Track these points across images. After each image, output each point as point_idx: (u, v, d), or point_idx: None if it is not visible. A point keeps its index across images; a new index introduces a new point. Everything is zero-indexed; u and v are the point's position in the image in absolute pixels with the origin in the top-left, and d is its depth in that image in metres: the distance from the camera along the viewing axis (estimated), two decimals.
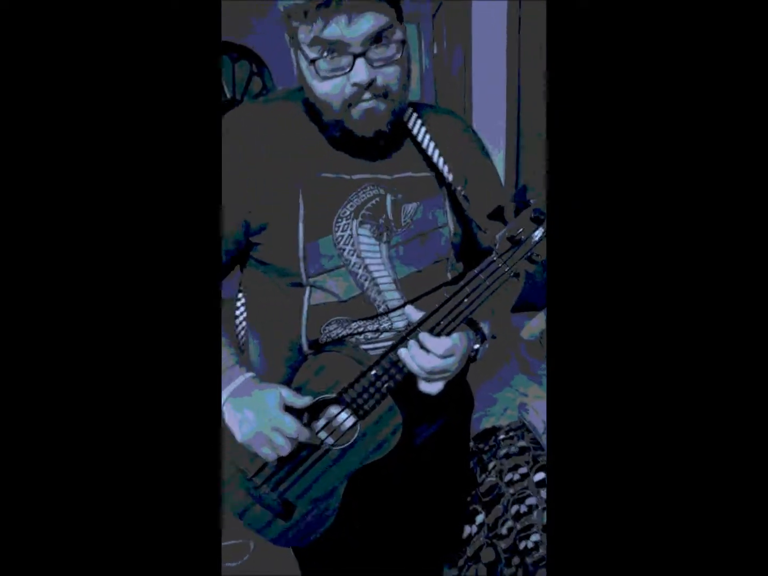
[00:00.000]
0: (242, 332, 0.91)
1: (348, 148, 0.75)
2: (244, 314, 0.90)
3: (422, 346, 0.71)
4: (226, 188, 0.70)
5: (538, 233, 0.67)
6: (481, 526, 1.30)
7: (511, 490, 1.31)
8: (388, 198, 0.78)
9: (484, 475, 1.41)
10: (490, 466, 1.42)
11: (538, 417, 1.43)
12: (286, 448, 0.73)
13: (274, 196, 0.73)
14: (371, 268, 0.77)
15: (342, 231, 0.76)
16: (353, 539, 0.89)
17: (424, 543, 1.03)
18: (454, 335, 0.72)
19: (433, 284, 0.80)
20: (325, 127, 0.73)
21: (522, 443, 1.42)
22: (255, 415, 0.73)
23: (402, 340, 0.72)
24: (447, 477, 1.02)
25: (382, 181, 0.78)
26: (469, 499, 1.34)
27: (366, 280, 0.77)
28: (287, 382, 0.78)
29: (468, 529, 1.30)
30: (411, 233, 0.78)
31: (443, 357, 0.71)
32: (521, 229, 0.67)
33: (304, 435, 0.74)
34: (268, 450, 0.74)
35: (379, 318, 0.78)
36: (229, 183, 0.71)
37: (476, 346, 0.79)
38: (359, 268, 0.77)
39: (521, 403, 1.50)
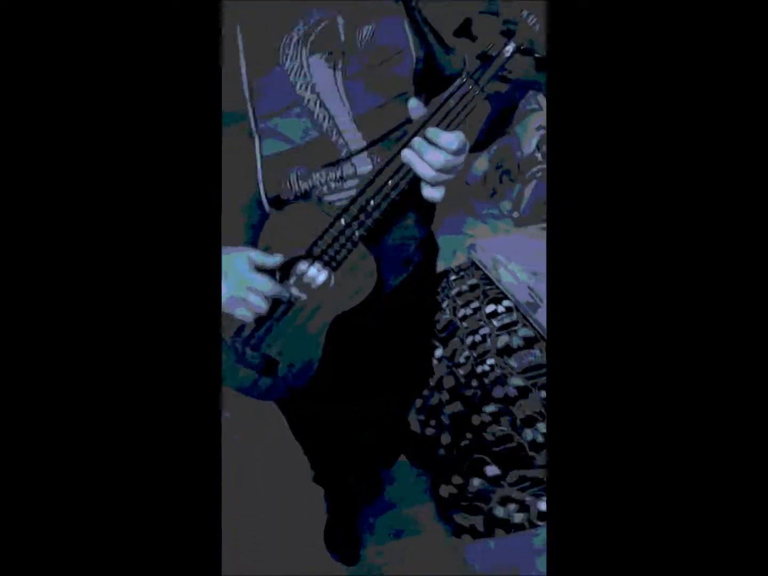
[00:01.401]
0: None
1: None
2: None
3: (431, 142, 0.66)
4: None
5: (510, 48, 0.62)
6: (440, 359, 1.41)
7: (465, 324, 1.40)
8: (340, 19, 0.71)
9: (439, 314, 1.49)
10: (444, 304, 1.51)
11: (486, 254, 1.49)
12: (262, 307, 0.73)
13: None
14: (328, 104, 0.71)
15: (291, 61, 0.69)
16: (335, 383, 0.94)
17: (397, 382, 1.12)
18: (461, 134, 0.67)
19: (396, 121, 0.76)
20: None
21: (472, 281, 1.50)
22: (225, 279, 0.73)
23: (404, 145, 0.68)
24: (415, 320, 1.08)
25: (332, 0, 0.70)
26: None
27: (324, 120, 0.72)
28: (252, 244, 0.76)
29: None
30: (368, 60, 0.73)
31: (456, 153, 0.67)
32: (491, 45, 0.62)
33: (278, 292, 0.74)
34: (245, 311, 0.74)
35: (341, 163, 0.75)
36: None
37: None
38: (315, 105, 0.71)
39: (470, 244, 1.55)
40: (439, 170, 0.68)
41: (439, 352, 1.43)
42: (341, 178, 0.75)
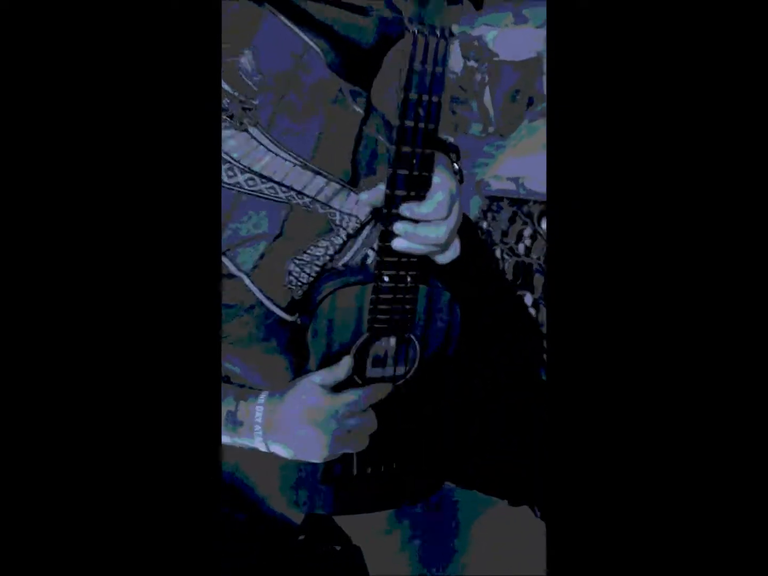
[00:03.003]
0: None
1: None
2: None
3: (416, 221, 0.54)
4: None
5: None
6: (536, 302, 1.27)
7: (535, 255, 1.26)
8: None
9: (501, 264, 1.36)
10: (498, 253, 1.37)
11: (501, 182, 1.35)
12: (370, 421, 0.60)
13: None
14: (267, 171, 0.57)
15: None
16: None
17: (514, 357, 0.98)
18: (435, 180, 0.54)
19: (349, 137, 0.62)
20: None
21: (507, 213, 1.36)
22: (312, 424, 0.58)
23: (387, 235, 0.54)
24: (484, 293, 0.94)
25: None
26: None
27: (277, 191, 0.59)
28: (303, 370, 0.63)
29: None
30: (274, 92, 0.57)
31: (448, 214, 0.55)
32: None
33: (375, 392, 0.61)
34: (357, 438, 0.61)
35: (333, 223, 0.61)
36: None
37: (457, 167, 0.63)
38: (257, 182, 0.58)
39: (478, 184, 1.41)
40: (447, 241, 0.56)
41: (529, 299, 1.28)
42: (347, 236, 0.61)
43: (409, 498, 0.72)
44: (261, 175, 0.57)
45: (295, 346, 0.63)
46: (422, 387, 0.65)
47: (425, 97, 0.49)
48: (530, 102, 1.52)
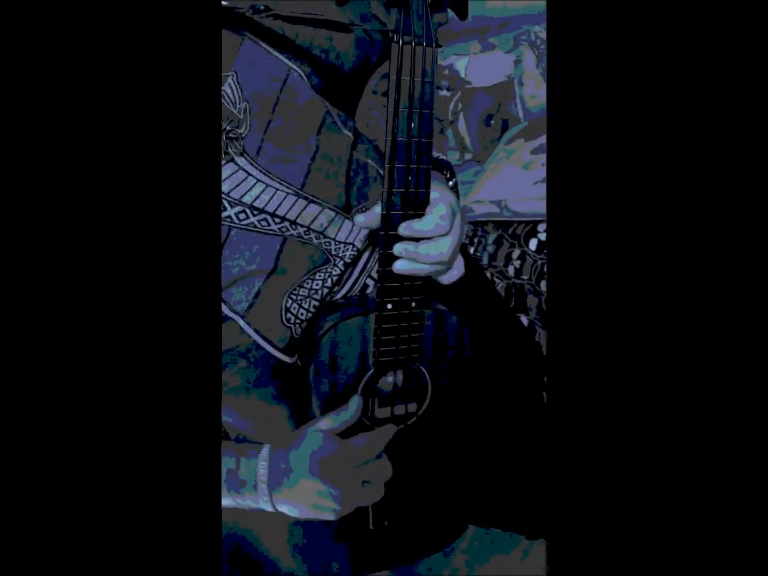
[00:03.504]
0: None
1: None
2: None
3: (418, 239, 0.52)
4: None
5: None
6: (531, 324, 1.25)
7: (525, 276, 1.24)
8: None
9: (494, 288, 1.33)
10: (488, 275, 1.35)
11: (483, 206, 1.34)
12: (385, 467, 0.56)
13: None
14: (259, 201, 0.55)
15: None
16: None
17: (514, 381, 0.95)
18: (433, 195, 0.52)
19: (340, 161, 0.59)
20: None
21: (492, 236, 1.35)
22: (322, 478, 0.52)
23: (387, 258, 0.51)
24: (480, 316, 0.92)
25: None
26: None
27: (272, 221, 0.55)
28: (308, 415, 0.59)
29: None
30: (258, 119, 0.54)
31: (450, 231, 0.52)
32: None
33: (387, 432, 0.57)
34: (372, 489, 0.55)
35: (329, 253, 0.59)
36: None
37: (451, 183, 0.61)
38: (249, 215, 0.55)
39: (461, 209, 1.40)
40: (450, 258, 0.53)
41: (525, 320, 1.26)
42: (345, 265, 0.58)
43: (432, 548, 0.66)
44: (252, 207, 0.54)
45: (295, 390, 0.59)
46: (436, 422, 0.62)
47: (416, 110, 0.47)
48: (504, 125, 1.53)
